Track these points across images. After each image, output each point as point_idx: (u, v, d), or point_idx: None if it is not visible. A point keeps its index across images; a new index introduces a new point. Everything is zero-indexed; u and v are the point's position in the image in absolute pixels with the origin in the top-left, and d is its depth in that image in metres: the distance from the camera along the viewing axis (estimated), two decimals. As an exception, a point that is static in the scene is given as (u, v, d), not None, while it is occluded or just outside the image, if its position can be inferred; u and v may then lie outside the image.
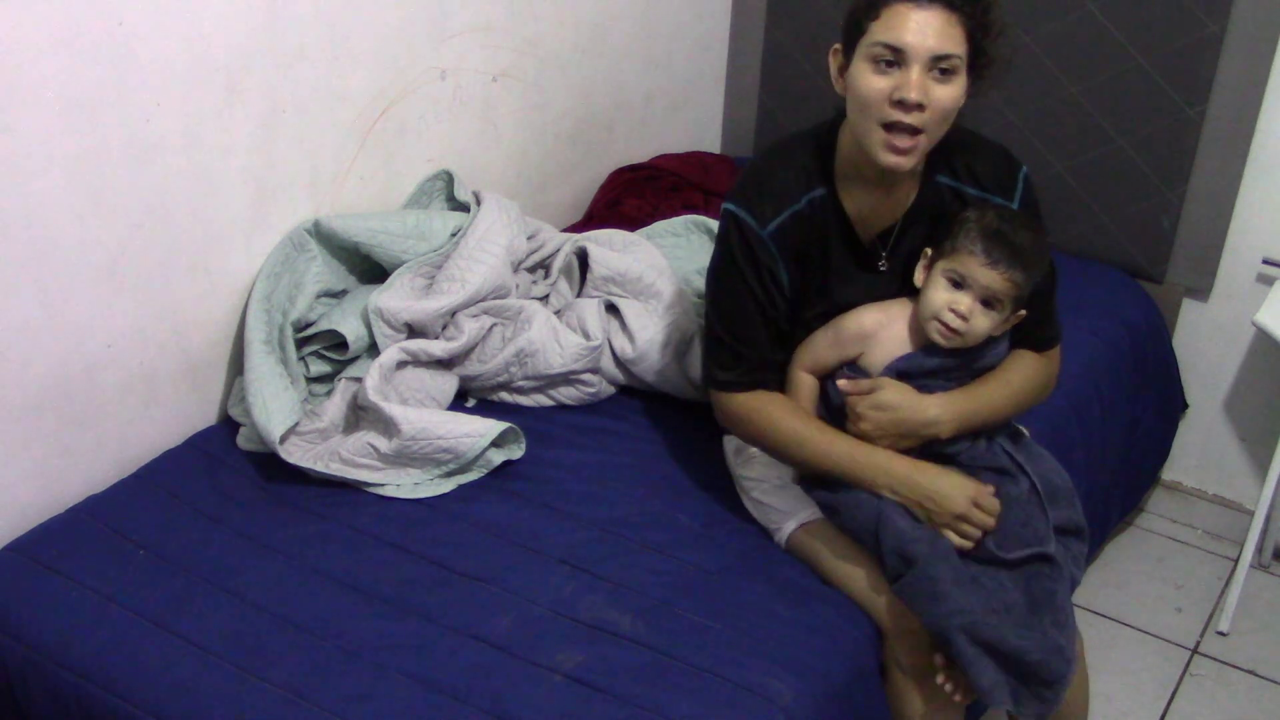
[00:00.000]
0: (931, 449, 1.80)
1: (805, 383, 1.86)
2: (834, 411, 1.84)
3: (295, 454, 1.97)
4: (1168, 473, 3.00)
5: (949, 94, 1.66)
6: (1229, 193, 2.68)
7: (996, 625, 1.66)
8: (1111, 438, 2.49)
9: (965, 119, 1.94)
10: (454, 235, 2.30)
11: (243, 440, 2.06)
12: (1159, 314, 2.75)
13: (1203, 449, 2.95)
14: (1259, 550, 2.72)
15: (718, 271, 1.84)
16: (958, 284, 1.74)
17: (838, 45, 1.73)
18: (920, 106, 1.64)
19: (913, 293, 1.82)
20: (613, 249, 2.37)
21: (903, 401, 1.76)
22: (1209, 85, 2.60)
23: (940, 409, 1.77)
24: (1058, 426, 2.26)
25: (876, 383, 1.78)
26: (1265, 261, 2.71)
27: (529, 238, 2.40)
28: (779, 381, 1.88)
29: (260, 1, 2.00)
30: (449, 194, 2.43)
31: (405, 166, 2.39)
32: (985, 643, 1.65)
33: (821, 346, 1.85)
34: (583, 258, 2.36)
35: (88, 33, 1.77)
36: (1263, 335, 2.67)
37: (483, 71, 2.49)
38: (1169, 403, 2.80)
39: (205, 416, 2.15)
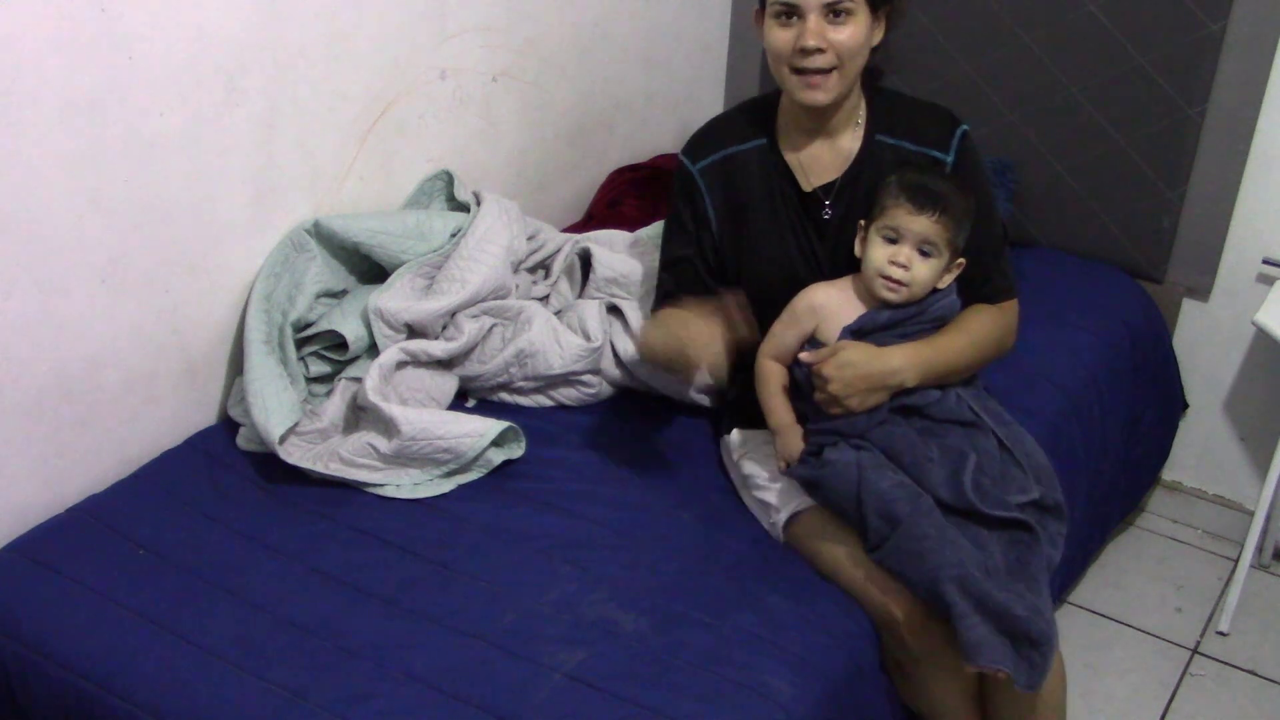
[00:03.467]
0: (900, 400, 1.84)
1: (772, 370, 1.94)
2: (801, 392, 1.89)
3: (295, 454, 1.97)
4: (1168, 473, 3.00)
5: (848, 34, 1.81)
6: (1229, 193, 2.68)
7: (982, 580, 1.67)
8: (1111, 438, 2.49)
9: (967, 115, 1.98)
10: (454, 235, 2.30)
11: (243, 440, 2.06)
12: (1159, 314, 2.75)
13: (1203, 449, 2.95)
14: (1259, 550, 2.71)
15: (669, 201, 2.04)
16: (893, 239, 1.84)
17: (757, 6, 1.89)
18: (820, 50, 1.80)
19: (857, 267, 1.90)
20: (614, 250, 2.37)
21: (864, 357, 1.82)
22: (1209, 85, 2.60)
23: (903, 358, 1.83)
24: (1058, 426, 2.26)
25: (836, 346, 1.84)
26: (1265, 261, 2.70)
27: (529, 238, 2.40)
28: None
29: (260, 1, 2.00)
30: (449, 194, 2.43)
31: (405, 166, 2.39)
32: (975, 598, 1.67)
33: (778, 329, 1.92)
34: (584, 258, 2.36)
35: (87, 32, 1.77)
36: (1263, 335, 2.67)
37: (483, 71, 2.49)
38: (1169, 403, 2.80)
39: (205, 416, 2.15)
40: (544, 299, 2.36)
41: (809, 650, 1.68)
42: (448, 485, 1.98)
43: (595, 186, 2.91)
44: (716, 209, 1.97)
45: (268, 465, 1.99)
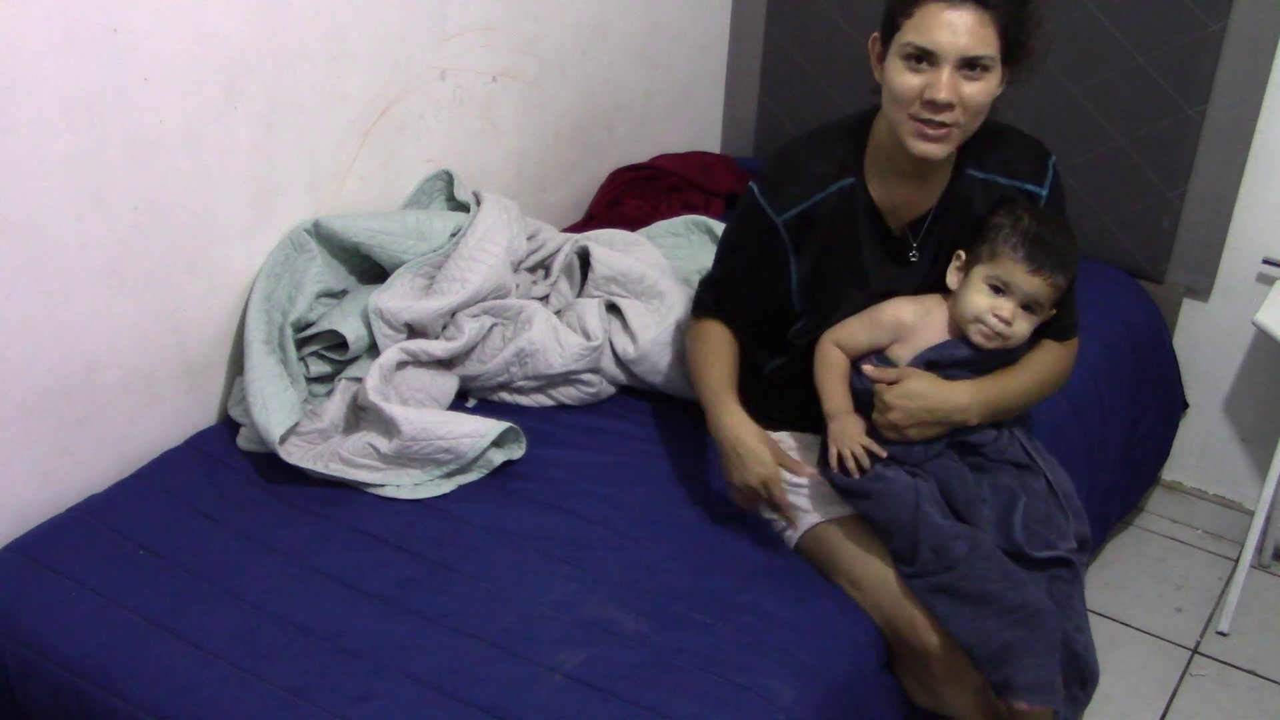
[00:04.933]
0: (958, 438, 1.81)
1: (834, 355, 1.86)
2: (859, 397, 1.84)
3: (295, 454, 1.97)
4: (1168, 473, 3.00)
5: (980, 91, 1.68)
6: (1229, 193, 2.68)
7: (1051, 614, 1.67)
8: (1111, 438, 2.49)
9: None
10: (454, 235, 2.30)
11: (243, 440, 2.06)
12: (1159, 314, 2.75)
13: (1203, 449, 2.95)
14: (1259, 550, 2.72)
15: (733, 229, 1.93)
16: (999, 289, 1.75)
17: (877, 34, 1.75)
18: (950, 106, 1.66)
19: (945, 288, 1.83)
20: (614, 249, 2.38)
21: (931, 390, 1.77)
22: (1209, 85, 2.60)
23: (970, 396, 1.78)
24: (1058, 426, 2.26)
25: (903, 372, 1.79)
26: (1265, 261, 2.71)
27: (529, 238, 2.40)
28: (741, 331, 1.95)
29: (260, 2, 1.99)
30: (449, 194, 2.43)
31: (405, 166, 2.39)
32: (1043, 635, 1.66)
33: (855, 327, 1.85)
34: (584, 257, 2.36)
35: (88, 33, 1.77)
36: (1263, 335, 2.67)
37: (483, 71, 2.49)
38: (1169, 403, 2.80)
39: (205, 416, 2.15)
40: (544, 298, 2.36)
41: (810, 653, 1.68)
42: (448, 485, 1.98)
43: (595, 186, 2.91)
44: (800, 259, 1.85)
45: (268, 465, 1.99)
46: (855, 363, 1.85)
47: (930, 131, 1.69)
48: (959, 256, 1.81)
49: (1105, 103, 2.72)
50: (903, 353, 1.82)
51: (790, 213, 1.82)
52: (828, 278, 1.86)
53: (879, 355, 1.84)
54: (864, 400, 1.83)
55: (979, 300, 1.76)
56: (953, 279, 1.81)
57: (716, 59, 3.19)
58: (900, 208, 1.84)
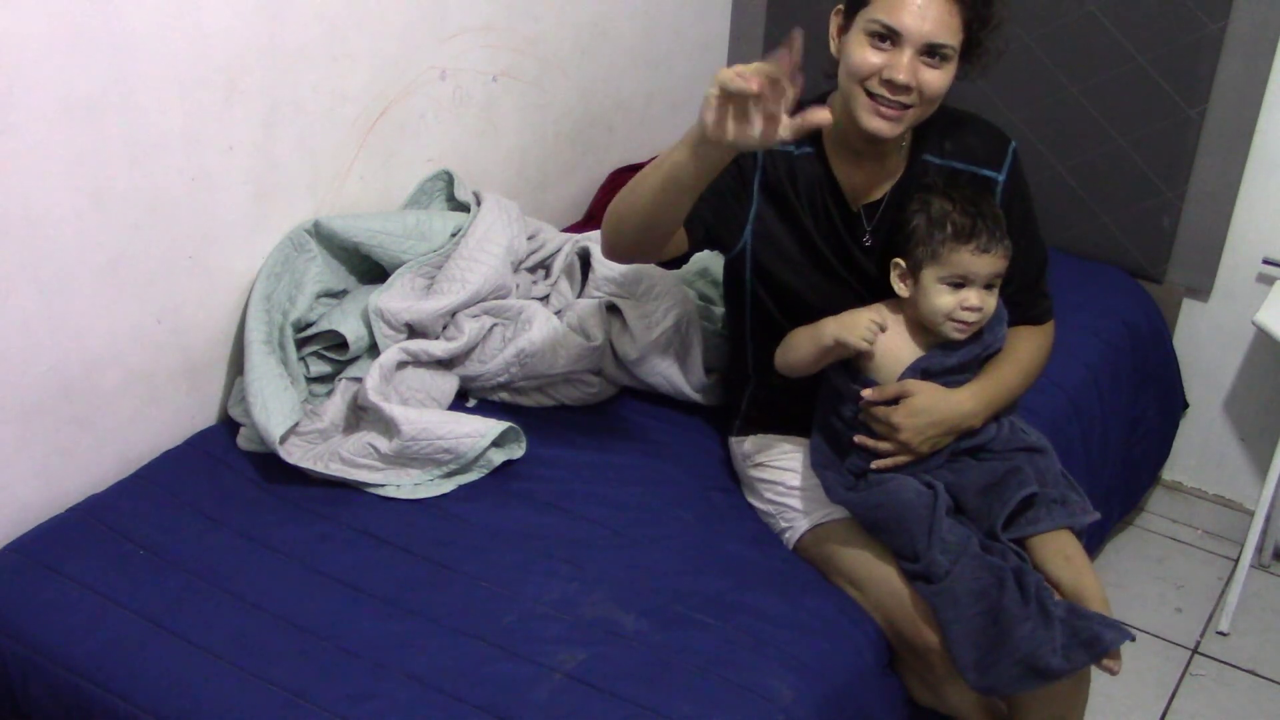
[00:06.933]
0: (962, 445, 1.81)
1: (789, 337, 1.85)
2: (853, 420, 1.82)
3: (295, 454, 1.97)
4: (1168, 473, 3.00)
5: (938, 79, 1.70)
6: (1229, 193, 2.68)
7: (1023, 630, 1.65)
8: (1111, 438, 2.49)
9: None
10: (454, 235, 2.30)
11: (243, 440, 2.06)
12: (1159, 314, 2.76)
13: (1203, 449, 2.96)
14: (1259, 550, 2.72)
15: None
16: (959, 285, 1.76)
17: (840, 6, 1.76)
18: (907, 89, 1.68)
19: (890, 288, 1.83)
20: (613, 249, 2.38)
21: (936, 402, 1.77)
22: (1209, 85, 2.61)
23: (975, 400, 1.79)
24: (1058, 426, 2.26)
25: (902, 388, 1.78)
26: (1265, 261, 2.71)
27: (529, 238, 2.40)
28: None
29: (260, 1, 1.99)
30: (449, 194, 2.43)
31: (405, 166, 2.39)
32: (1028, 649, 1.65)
33: (801, 340, 1.84)
34: (584, 258, 2.36)
35: (88, 33, 1.77)
36: (1263, 335, 2.67)
37: (483, 71, 2.49)
38: (1169, 402, 2.80)
39: (205, 416, 2.15)
40: (544, 299, 2.36)
41: (810, 653, 1.68)
42: (448, 485, 1.98)
43: (595, 186, 2.91)
44: (763, 192, 1.83)
45: (268, 465, 1.99)
46: (836, 382, 1.84)
47: (884, 110, 1.70)
48: (898, 265, 1.80)
49: (1105, 103, 2.72)
50: (885, 368, 1.80)
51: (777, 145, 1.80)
52: (789, 242, 1.85)
53: (861, 377, 1.82)
54: (859, 423, 1.82)
55: (944, 300, 1.76)
56: (901, 288, 1.80)
57: (716, 59, 3.19)
58: (858, 187, 1.84)
